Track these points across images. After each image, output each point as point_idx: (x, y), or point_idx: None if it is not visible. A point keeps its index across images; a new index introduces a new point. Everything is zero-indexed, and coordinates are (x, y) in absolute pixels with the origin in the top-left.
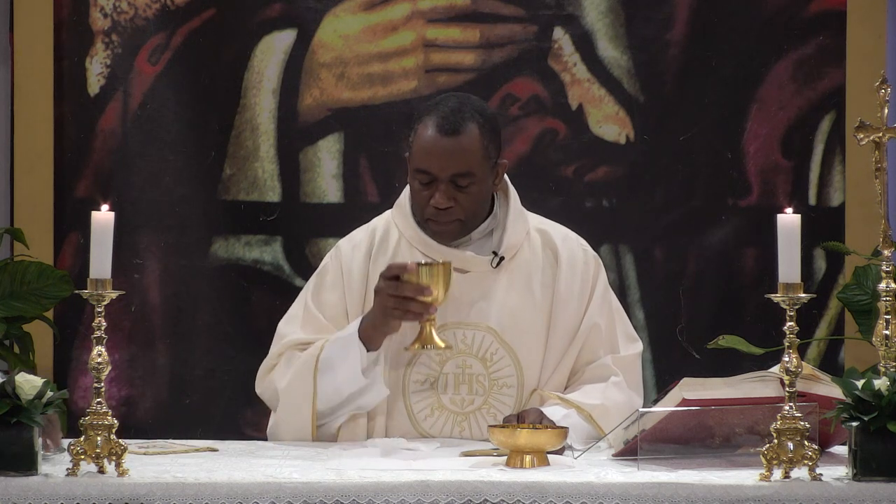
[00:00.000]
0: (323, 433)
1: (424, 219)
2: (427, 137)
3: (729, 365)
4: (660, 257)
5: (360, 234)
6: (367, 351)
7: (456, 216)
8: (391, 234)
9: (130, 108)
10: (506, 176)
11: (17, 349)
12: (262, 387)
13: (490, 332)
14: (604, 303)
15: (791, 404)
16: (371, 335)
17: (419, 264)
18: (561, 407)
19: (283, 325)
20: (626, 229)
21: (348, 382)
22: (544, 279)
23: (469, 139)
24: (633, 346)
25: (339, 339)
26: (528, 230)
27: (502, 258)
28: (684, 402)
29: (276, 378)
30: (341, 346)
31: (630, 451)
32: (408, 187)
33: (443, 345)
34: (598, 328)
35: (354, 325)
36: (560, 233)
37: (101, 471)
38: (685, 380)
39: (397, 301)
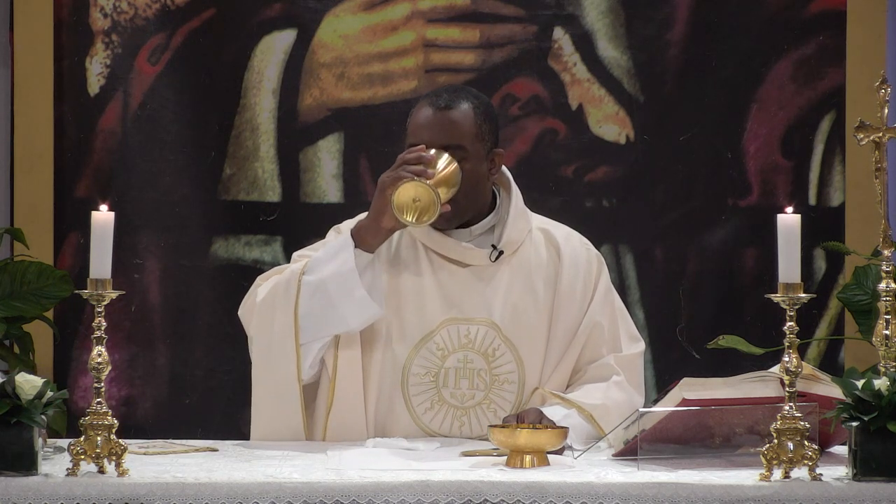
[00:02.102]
0: (305, 356)
1: None
2: (420, 114)
3: (729, 365)
4: (660, 257)
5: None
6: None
7: None
8: None
9: (130, 108)
10: (509, 174)
11: (17, 349)
12: (244, 308)
13: (492, 328)
14: (606, 302)
15: (791, 404)
16: (365, 230)
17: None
18: (562, 407)
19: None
20: (626, 229)
21: (337, 278)
22: (547, 277)
23: (462, 114)
24: (635, 346)
25: (329, 243)
26: (530, 229)
27: (501, 252)
28: (684, 402)
29: (259, 292)
30: (332, 247)
31: (630, 451)
32: None
33: (429, 182)
34: (600, 327)
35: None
36: (563, 231)
37: (101, 471)
38: (685, 380)
39: (396, 170)
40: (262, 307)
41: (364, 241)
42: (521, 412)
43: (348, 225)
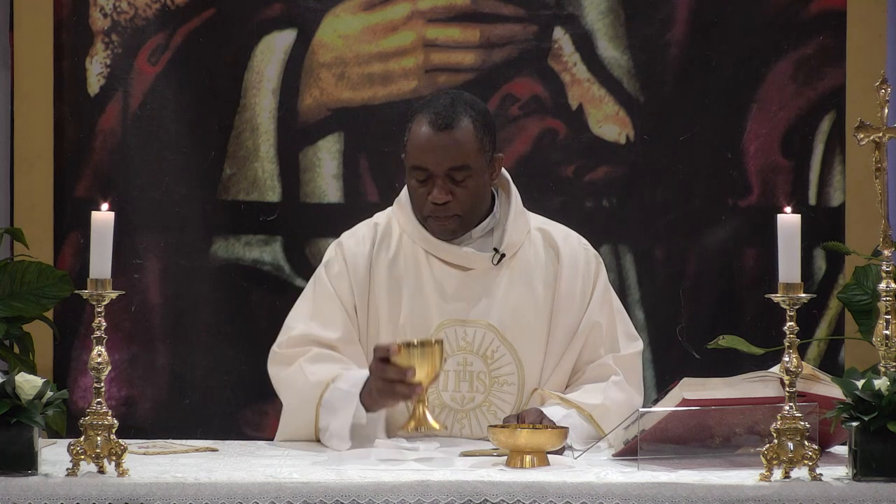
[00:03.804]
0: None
1: (424, 216)
2: (421, 134)
3: (729, 365)
4: (660, 257)
5: (362, 229)
6: (367, 412)
7: (454, 211)
8: (393, 230)
9: (130, 108)
10: (508, 175)
11: (17, 349)
12: (273, 371)
13: (491, 330)
14: (604, 302)
15: (791, 404)
16: (372, 402)
17: (403, 345)
18: (561, 407)
19: (290, 320)
20: (626, 229)
21: (337, 435)
22: (546, 277)
23: (463, 133)
24: (633, 345)
25: (341, 391)
26: (529, 229)
27: (503, 255)
28: (684, 402)
29: (286, 384)
30: (341, 398)
31: (630, 451)
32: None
33: (437, 426)
34: (598, 327)
35: (362, 375)
36: (561, 232)
37: (101, 471)
38: (685, 380)
39: (384, 383)
40: (288, 422)
41: (370, 408)
42: (521, 412)
43: (349, 240)
